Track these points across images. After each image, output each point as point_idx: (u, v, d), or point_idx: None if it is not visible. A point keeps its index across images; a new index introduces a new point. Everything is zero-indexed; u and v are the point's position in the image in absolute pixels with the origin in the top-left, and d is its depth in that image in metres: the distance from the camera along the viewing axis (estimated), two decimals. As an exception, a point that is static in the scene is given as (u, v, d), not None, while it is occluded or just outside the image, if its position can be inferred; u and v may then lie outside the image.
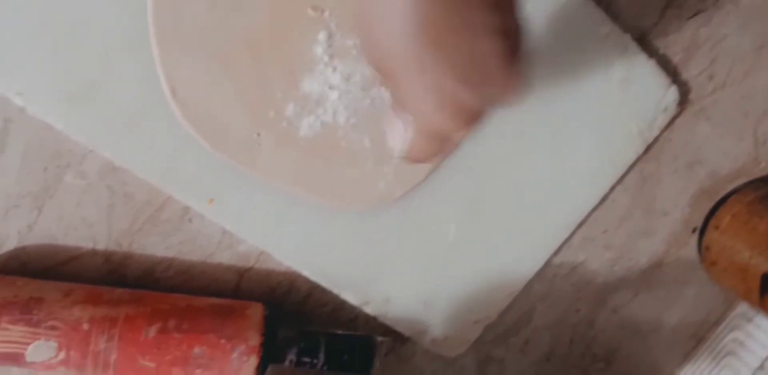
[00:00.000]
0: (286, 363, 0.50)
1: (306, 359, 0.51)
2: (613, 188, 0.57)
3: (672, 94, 0.54)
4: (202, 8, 0.45)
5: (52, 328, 0.46)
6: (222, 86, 0.46)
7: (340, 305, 0.56)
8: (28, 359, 0.45)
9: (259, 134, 0.48)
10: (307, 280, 0.53)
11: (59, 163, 0.47)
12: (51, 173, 0.47)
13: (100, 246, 0.50)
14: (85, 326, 0.46)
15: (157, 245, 0.51)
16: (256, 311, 0.50)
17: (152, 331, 0.47)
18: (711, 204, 0.61)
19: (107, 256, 0.50)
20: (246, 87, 0.47)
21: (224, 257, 0.52)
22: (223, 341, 0.48)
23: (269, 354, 0.49)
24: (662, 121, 0.55)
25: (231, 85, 0.47)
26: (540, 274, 0.59)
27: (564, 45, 0.51)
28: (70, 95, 0.45)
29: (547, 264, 0.59)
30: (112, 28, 0.45)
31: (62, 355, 0.46)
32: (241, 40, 0.46)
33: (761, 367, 0.67)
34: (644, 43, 0.53)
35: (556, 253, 0.59)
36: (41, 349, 0.46)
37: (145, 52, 0.45)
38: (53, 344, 0.46)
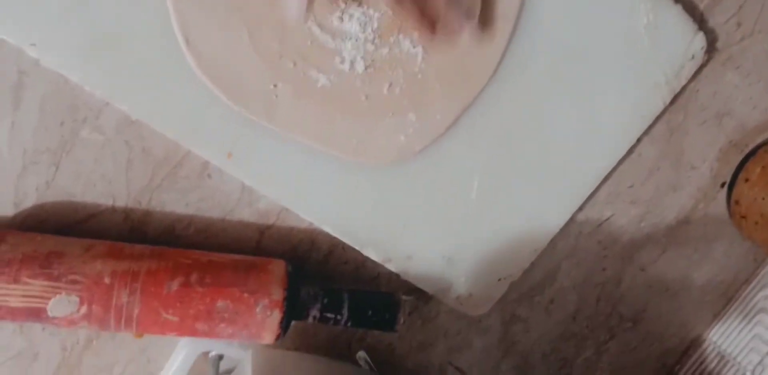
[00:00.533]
0: (309, 319, 0.49)
1: (329, 315, 0.50)
2: (639, 140, 0.56)
3: (699, 41, 0.52)
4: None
5: (74, 282, 0.45)
6: (238, 36, 0.45)
7: (362, 263, 0.55)
8: (50, 314, 0.45)
9: (275, 85, 0.47)
10: (328, 237, 0.52)
11: (76, 117, 0.46)
12: (67, 128, 0.46)
13: (120, 203, 0.49)
14: (107, 280, 0.45)
15: (177, 202, 0.50)
16: (278, 267, 0.49)
17: (174, 284, 0.46)
18: (740, 157, 0.59)
19: (127, 213, 0.49)
20: (262, 37, 0.46)
21: (244, 214, 0.51)
22: (246, 295, 0.47)
23: (292, 309, 0.48)
24: (689, 69, 0.53)
25: (247, 35, 0.45)
26: (565, 230, 0.57)
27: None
28: (85, 46, 0.44)
29: (572, 220, 0.57)
30: None
31: (84, 309, 0.45)
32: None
33: (793, 325, 0.65)
34: (669, -13, 0.51)
35: (581, 208, 0.57)
36: (63, 304, 0.45)
37: (161, 1, 0.44)
38: (75, 298, 0.45)
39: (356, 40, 0.47)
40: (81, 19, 0.43)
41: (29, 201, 0.47)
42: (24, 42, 0.43)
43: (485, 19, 0.48)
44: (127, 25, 0.44)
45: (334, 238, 0.52)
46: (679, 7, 0.51)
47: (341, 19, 0.46)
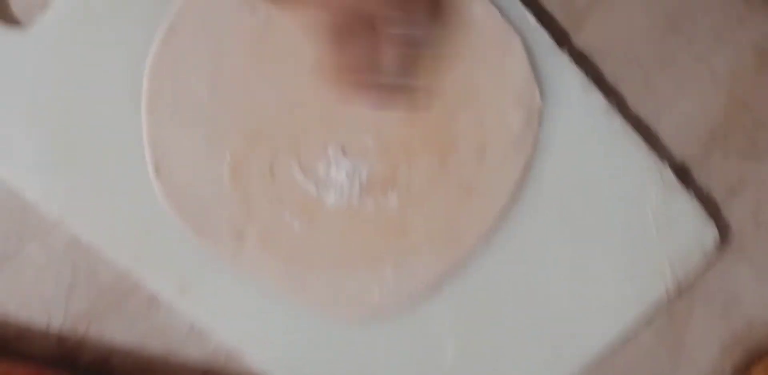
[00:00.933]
0: None
1: None
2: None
3: (711, 232, 0.48)
4: (203, 86, 0.41)
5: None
6: (211, 171, 0.42)
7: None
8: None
9: (243, 230, 0.43)
10: (279, 391, 0.47)
11: (24, 232, 0.42)
12: (12, 241, 0.42)
13: (55, 326, 0.44)
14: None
15: (118, 332, 0.45)
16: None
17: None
18: (745, 357, 0.53)
19: (61, 338, 0.45)
20: (237, 176, 0.42)
21: (191, 354, 0.46)
22: None
23: None
24: (699, 262, 0.48)
25: (221, 171, 0.42)
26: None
27: (595, 166, 0.46)
28: (44, 161, 0.41)
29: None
30: (102, 95, 0.41)
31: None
32: (238, 127, 0.42)
33: None
34: (684, 174, 0.47)
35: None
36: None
37: (133, 123, 0.41)
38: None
39: (341, 192, 0.43)
40: (44, 132, 0.41)
41: (-44, 311, 0.43)
42: (-20, 152, 0.40)
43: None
44: (93, 143, 0.41)
45: (288, 393, 0.47)
46: (691, 195, 0.47)
47: (328, 168, 0.43)
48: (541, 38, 0.43)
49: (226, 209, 0.43)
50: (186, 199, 0.42)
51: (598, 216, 0.47)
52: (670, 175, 0.46)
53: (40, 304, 0.44)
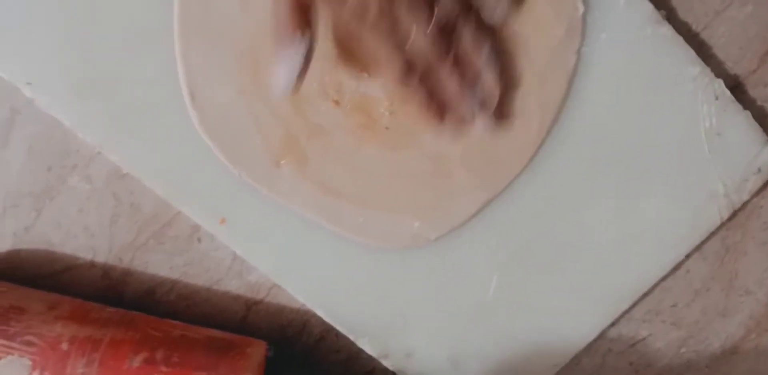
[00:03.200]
0: (283, 414, 0.41)
1: (306, 412, 0.41)
2: (689, 256, 0.46)
3: (767, 153, 0.43)
4: (235, 5, 0.38)
5: (29, 343, 0.39)
6: (248, 96, 0.39)
7: (355, 354, 0.46)
8: (-4, 375, 0.38)
9: (279, 158, 0.40)
10: (321, 322, 0.45)
11: (65, 163, 0.40)
12: (54, 173, 0.40)
13: (100, 258, 0.42)
14: (65, 346, 0.39)
15: (161, 264, 0.43)
16: (257, 350, 0.41)
17: (137, 360, 0.39)
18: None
19: (106, 270, 0.43)
20: (272, 99, 0.39)
21: (233, 285, 0.44)
22: (212, 381, 0.39)
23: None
24: (754, 183, 0.44)
25: (255, 95, 0.39)
26: (591, 346, 0.48)
27: (645, 84, 0.41)
28: (83, 90, 0.39)
29: (602, 336, 0.48)
30: (135, 20, 0.38)
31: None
32: (272, 48, 0.39)
33: None
34: (739, 91, 0.43)
35: (614, 324, 0.48)
36: (13, 366, 0.38)
37: (167, 50, 0.38)
38: (27, 362, 0.38)
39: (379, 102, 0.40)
40: (81, 61, 0.38)
41: (4, 246, 0.42)
42: (19, 80, 0.38)
43: (504, 110, 0.40)
44: (129, 71, 0.39)
45: (328, 323, 0.44)
46: (747, 114, 0.42)
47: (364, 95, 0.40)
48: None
49: (263, 137, 0.40)
50: (222, 126, 0.40)
51: (646, 136, 0.43)
52: (724, 90, 0.41)
53: (85, 236, 0.42)
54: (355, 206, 0.42)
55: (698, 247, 0.46)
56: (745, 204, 0.45)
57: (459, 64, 0.37)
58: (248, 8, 0.38)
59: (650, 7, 0.39)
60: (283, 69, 0.35)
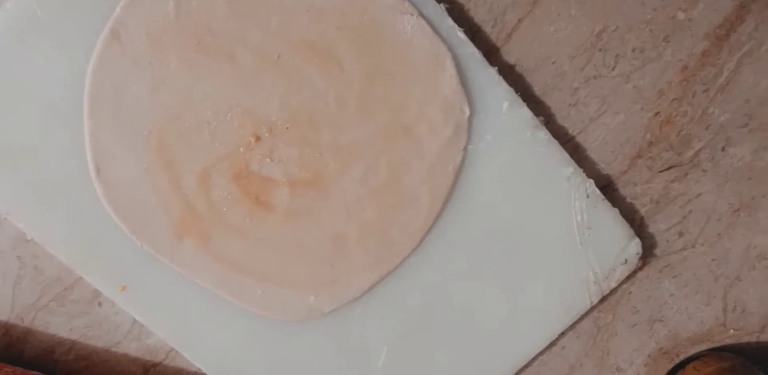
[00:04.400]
0: None
1: None
2: (564, 333, 0.48)
3: (634, 246, 0.46)
4: (145, 88, 0.39)
5: None
6: (150, 173, 0.40)
7: (248, 418, 0.46)
8: None
9: (182, 231, 0.41)
10: (216, 385, 0.44)
11: (-28, 227, 0.40)
12: (-39, 236, 0.40)
13: (1, 317, 0.42)
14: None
15: (62, 325, 0.43)
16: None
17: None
18: (669, 366, 0.50)
19: (7, 329, 0.43)
20: (176, 177, 0.40)
21: (132, 348, 0.44)
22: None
23: None
24: (621, 273, 0.46)
25: (160, 173, 0.40)
26: (473, 414, 0.48)
27: (525, 180, 0.44)
28: None
29: (482, 406, 0.48)
30: (46, 93, 0.39)
31: None
32: (178, 129, 0.40)
33: None
34: (610, 189, 0.46)
35: (494, 394, 0.49)
36: None
37: (77, 123, 0.39)
38: None
39: (277, 197, 0.41)
40: None
41: None
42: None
43: None
44: (38, 142, 0.40)
45: (223, 387, 0.44)
46: (615, 211, 0.45)
47: (262, 171, 0.41)
48: (471, 52, 0.41)
49: (166, 212, 0.41)
50: (126, 200, 0.40)
51: (525, 228, 0.45)
52: (594, 189, 0.44)
53: (-13, 295, 0.42)
54: (254, 280, 0.43)
55: (572, 327, 0.48)
56: (615, 289, 0.47)
57: None
58: (157, 91, 0.39)
59: (529, 113, 0.42)
60: None
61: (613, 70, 0.42)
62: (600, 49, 0.42)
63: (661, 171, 0.45)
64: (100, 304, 0.43)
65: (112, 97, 0.39)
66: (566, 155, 0.43)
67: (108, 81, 0.39)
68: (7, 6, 0.38)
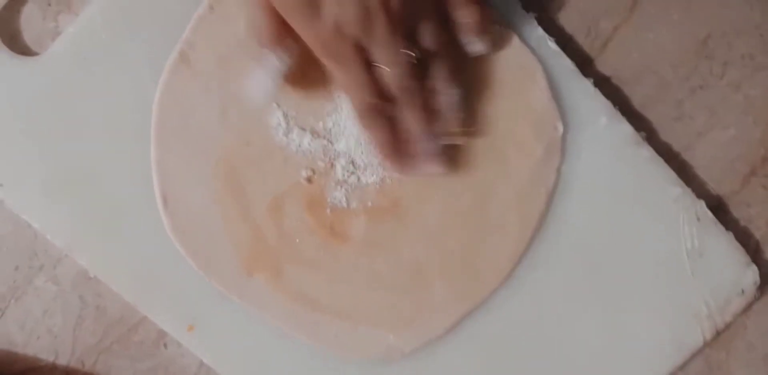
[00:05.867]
0: None
1: None
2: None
3: (751, 275, 0.39)
4: (213, 112, 0.35)
5: None
6: (219, 203, 0.36)
7: None
8: None
9: (253, 267, 0.36)
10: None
11: (32, 263, 0.37)
12: (21, 273, 0.37)
13: (62, 361, 0.38)
14: None
15: (125, 369, 0.39)
16: None
17: None
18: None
19: (67, 373, 0.38)
20: (246, 207, 0.36)
21: (199, 393, 0.39)
22: None
23: None
24: (738, 305, 0.40)
25: (229, 202, 0.36)
26: None
27: (626, 203, 0.38)
28: (54, 191, 0.36)
29: None
30: (111, 122, 0.36)
31: None
32: (249, 156, 0.36)
33: None
34: (722, 212, 0.39)
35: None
36: None
37: (141, 152, 0.36)
38: None
39: (355, 229, 0.36)
40: (54, 162, 0.36)
41: (-35, 345, 0.37)
42: (-9, 180, 0.35)
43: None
44: (101, 173, 0.36)
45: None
46: (730, 236, 0.38)
47: (339, 203, 0.36)
48: (563, 64, 0.36)
49: (235, 243, 0.36)
50: (194, 232, 0.36)
51: (627, 256, 0.39)
52: (705, 211, 0.38)
53: (48, 337, 0.38)
54: (329, 317, 0.38)
55: (681, 367, 0.41)
56: (728, 324, 0.41)
57: (425, 100, 0.34)
58: (226, 118, 0.35)
59: (630, 129, 0.36)
60: (258, 79, 0.33)
61: (721, 79, 0.37)
62: (706, 57, 0.36)
63: (779, 190, 0.39)
64: (165, 346, 0.38)
65: (180, 122, 0.35)
66: (673, 174, 0.37)
67: (176, 106, 0.35)
68: (70, 30, 0.35)
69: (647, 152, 0.37)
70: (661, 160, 0.37)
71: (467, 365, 0.40)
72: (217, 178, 0.36)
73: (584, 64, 0.35)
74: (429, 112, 0.34)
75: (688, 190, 0.37)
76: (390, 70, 0.32)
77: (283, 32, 0.32)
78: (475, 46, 0.34)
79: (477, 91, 0.36)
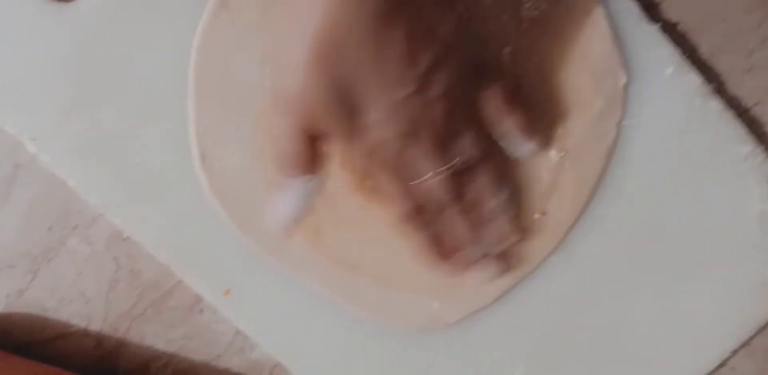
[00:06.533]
0: None
1: None
2: (735, 352, 0.38)
3: (828, 243, 0.35)
4: (254, 61, 0.33)
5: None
6: (261, 160, 0.33)
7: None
8: None
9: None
10: (327, 406, 0.37)
11: (66, 223, 0.35)
12: (55, 234, 0.35)
13: (94, 327, 0.36)
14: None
15: (159, 336, 0.37)
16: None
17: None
18: None
19: (100, 340, 0.36)
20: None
21: (233, 362, 0.37)
22: None
23: None
24: (812, 275, 0.36)
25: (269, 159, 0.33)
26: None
27: (691, 162, 0.35)
28: (89, 149, 0.34)
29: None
30: (147, 80, 0.34)
31: None
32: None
33: None
34: (794, 173, 0.35)
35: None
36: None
37: (178, 111, 0.33)
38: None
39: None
40: (89, 119, 0.34)
41: (-5, 308, 0.36)
42: (24, 135, 0.33)
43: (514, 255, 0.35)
44: (138, 133, 0.34)
45: (336, 409, 0.37)
46: (804, 197, 0.35)
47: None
48: (627, 7, 0.33)
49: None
50: (233, 191, 0.34)
51: (691, 220, 0.36)
52: (778, 171, 0.34)
53: (80, 302, 0.36)
54: (370, 282, 0.35)
55: (746, 343, 0.38)
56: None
57: (471, 207, 0.32)
58: (267, 69, 0.33)
59: (699, 79, 0.33)
60: (282, 204, 0.32)
61: (796, 27, 0.34)
62: (780, 3, 0.33)
63: None
64: (201, 312, 0.36)
65: (220, 73, 0.33)
66: (743, 129, 0.34)
67: (215, 55, 0.33)
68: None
69: (716, 105, 0.33)
70: (731, 115, 0.34)
71: (514, 338, 0.37)
72: (256, 137, 0.33)
73: (649, 8, 0.32)
74: (476, 219, 0.32)
75: (760, 148, 0.34)
76: (433, 181, 0.30)
77: (312, 159, 0.31)
78: (525, 148, 0.33)
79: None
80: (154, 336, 0.36)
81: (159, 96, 0.34)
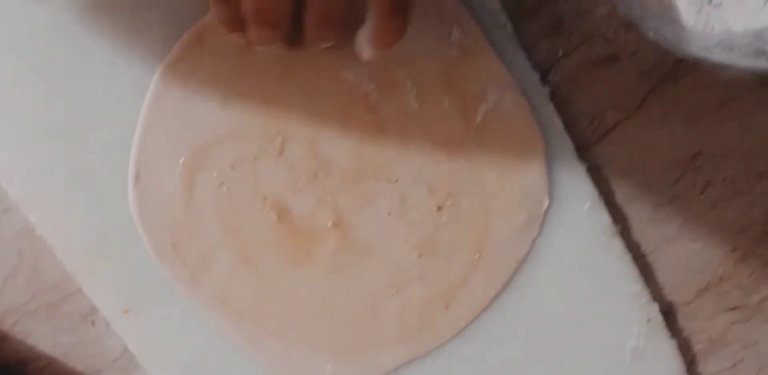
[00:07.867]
0: None
1: None
2: None
3: (682, 384, 0.38)
4: (215, 100, 0.33)
5: None
6: (190, 195, 0.34)
7: None
8: None
9: (207, 262, 0.34)
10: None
11: (-18, 208, 0.34)
12: (-33, 216, 0.34)
13: (-18, 315, 0.35)
14: None
15: (45, 338, 0.36)
16: None
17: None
18: None
19: (-18, 328, 0.35)
20: (219, 204, 0.34)
21: (112, 379, 0.36)
22: None
23: None
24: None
25: (201, 194, 0.34)
26: None
27: (586, 288, 0.37)
28: (22, 137, 0.33)
29: None
30: (107, 82, 0.33)
31: None
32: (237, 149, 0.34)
33: None
34: (670, 318, 0.38)
35: None
36: None
37: (129, 123, 0.33)
38: None
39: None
40: (34, 108, 0.33)
41: None
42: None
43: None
44: (82, 132, 0.34)
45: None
46: (672, 343, 0.37)
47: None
48: (563, 144, 0.35)
49: (197, 240, 0.34)
50: (156, 216, 0.34)
51: (574, 336, 0.37)
52: (657, 314, 0.37)
53: (-25, 288, 0.34)
54: (272, 332, 0.35)
55: None
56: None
57: None
58: (226, 107, 0.33)
59: (608, 219, 0.35)
60: None
61: (701, 194, 0.36)
62: (692, 170, 0.36)
63: (726, 310, 0.38)
64: (93, 323, 0.35)
65: (178, 100, 0.33)
66: (636, 271, 0.36)
67: (178, 84, 0.33)
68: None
69: (618, 245, 0.36)
70: (628, 256, 0.36)
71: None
72: (185, 169, 0.33)
73: (581, 148, 0.35)
74: None
75: (646, 291, 0.36)
76: None
77: None
78: None
79: (477, 146, 0.34)
80: (41, 336, 0.35)
81: (113, 105, 0.33)
